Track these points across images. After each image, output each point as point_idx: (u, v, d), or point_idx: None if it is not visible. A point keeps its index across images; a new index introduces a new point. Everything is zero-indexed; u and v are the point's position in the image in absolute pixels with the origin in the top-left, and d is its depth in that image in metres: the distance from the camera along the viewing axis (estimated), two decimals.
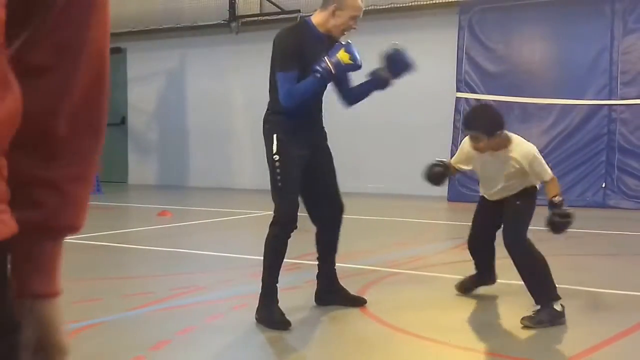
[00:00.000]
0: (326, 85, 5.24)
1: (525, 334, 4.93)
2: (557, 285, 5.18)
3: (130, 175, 17.14)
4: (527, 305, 5.11)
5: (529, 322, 4.98)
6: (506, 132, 5.26)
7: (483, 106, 5.36)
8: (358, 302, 5.53)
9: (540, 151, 6.33)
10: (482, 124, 5.20)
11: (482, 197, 5.68)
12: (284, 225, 5.17)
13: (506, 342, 4.76)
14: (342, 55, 4.97)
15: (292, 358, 4.58)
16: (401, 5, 13.44)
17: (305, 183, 5.28)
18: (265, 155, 5.26)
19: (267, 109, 5.30)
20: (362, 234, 9.25)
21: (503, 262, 6.63)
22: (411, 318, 5.25)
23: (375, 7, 13.45)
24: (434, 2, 13.22)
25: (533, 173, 5.21)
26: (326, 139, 5.43)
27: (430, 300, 5.82)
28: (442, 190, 12.79)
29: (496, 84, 12.39)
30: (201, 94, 16.07)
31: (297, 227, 5.18)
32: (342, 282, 5.63)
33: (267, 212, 11.18)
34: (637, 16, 11.73)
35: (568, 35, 12.24)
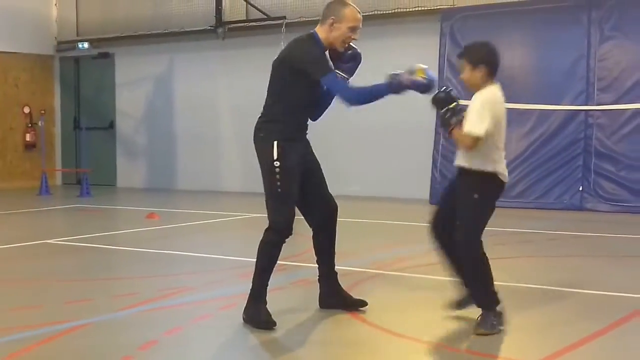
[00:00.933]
0: (318, 94, 5.21)
1: (505, 333, 4.94)
2: (535, 286, 5.21)
3: (119, 179, 17.08)
4: (510, 305, 5.13)
5: (482, 329, 4.82)
6: (493, 80, 5.04)
7: (484, 42, 5.10)
8: (359, 304, 5.46)
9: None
10: (470, 52, 5.05)
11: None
12: (280, 232, 5.14)
13: (488, 342, 4.77)
14: (418, 72, 4.94)
15: (278, 357, 4.57)
16: (384, 12, 13.46)
17: (300, 188, 5.26)
18: (259, 162, 5.22)
19: (262, 116, 5.24)
20: (345, 236, 9.22)
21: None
22: (395, 318, 5.26)
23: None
24: (416, 9, 13.25)
25: (472, 114, 4.85)
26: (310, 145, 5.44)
27: (413, 301, 5.84)
28: (424, 193, 12.84)
29: None
30: (189, 99, 16.04)
31: (292, 233, 5.16)
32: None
33: (254, 215, 11.20)
34: (613, 24, 11.80)
35: (547, 43, 12.30)
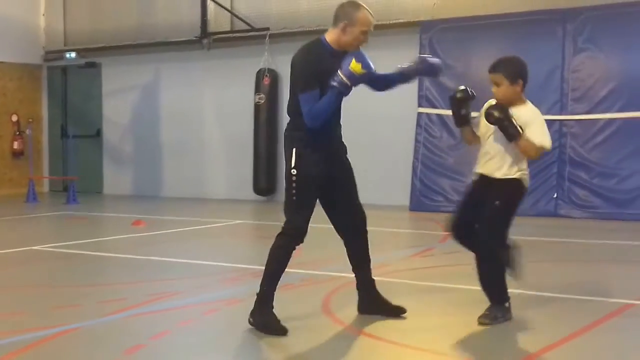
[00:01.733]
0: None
1: (483, 336, 4.99)
2: (509, 290, 5.27)
3: (105, 186, 17.03)
4: (477, 309, 5.18)
5: (486, 320, 5.13)
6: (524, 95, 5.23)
7: (516, 56, 5.40)
8: (398, 311, 5.39)
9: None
10: (507, 67, 5.21)
11: (473, 184, 5.44)
12: (293, 238, 5.10)
13: (465, 344, 4.82)
14: (354, 66, 4.89)
15: (261, 358, 4.60)
16: None
17: (327, 195, 5.23)
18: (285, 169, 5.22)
19: (289, 124, 5.24)
20: (326, 242, 9.26)
21: (463, 269, 6.72)
22: (375, 322, 5.28)
23: None
24: (396, 21, 13.31)
25: (532, 129, 5.05)
26: (346, 153, 5.36)
27: None
28: (404, 199, 12.90)
29: None
30: (174, 107, 16.02)
31: (303, 241, 5.12)
32: (307, 289, 5.63)
33: (238, 221, 11.21)
34: (587, 37, 11.91)
35: (522, 54, 12.04)
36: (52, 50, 17.37)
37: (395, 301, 5.51)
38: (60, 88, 17.59)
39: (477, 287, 5.33)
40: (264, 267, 5.10)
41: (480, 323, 5.15)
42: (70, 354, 4.56)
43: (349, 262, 5.43)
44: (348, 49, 5.08)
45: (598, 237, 9.59)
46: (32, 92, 17.39)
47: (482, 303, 5.24)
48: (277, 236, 5.14)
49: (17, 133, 16.66)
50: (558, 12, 12.13)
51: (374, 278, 5.42)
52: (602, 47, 11.79)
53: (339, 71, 4.91)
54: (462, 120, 5.39)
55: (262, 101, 14.40)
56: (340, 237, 5.44)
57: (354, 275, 5.44)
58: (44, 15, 17.49)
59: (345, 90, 4.95)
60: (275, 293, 5.06)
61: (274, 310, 5.01)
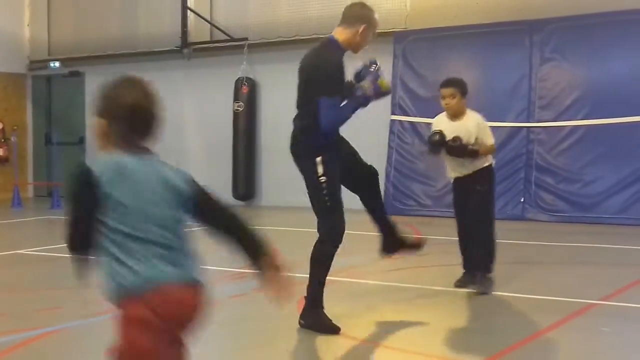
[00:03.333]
0: None
1: (450, 335, 5.02)
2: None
3: None
4: (453, 309, 5.21)
5: (481, 289, 5.98)
6: None
7: (457, 77, 6.47)
8: (419, 243, 5.49)
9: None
10: (460, 83, 6.23)
11: (454, 189, 6.36)
12: (335, 242, 5.04)
13: (433, 343, 4.85)
14: (382, 83, 4.88)
15: (239, 358, 4.60)
16: None
17: (342, 173, 5.11)
18: (303, 175, 5.06)
19: (301, 128, 5.03)
20: (301, 245, 9.26)
21: (433, 270, 6.75)
22: (348, 322, 5.29)
23: (318, 35, 13.53)
24: None
25: (481, 135, 6.03)
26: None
27: (364, 306, 5.89)
28: None
29: (427, 108, 12.49)
30: None
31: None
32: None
33: None
34: (553, 47, 12.00)
35: (491, 64, 12.48)
36: (37, 60, 17.27)
37: (367, 301, 5.52)
38: (45, 96, 17.49)
39: (447, 288, 5.36)
40: (314, 275, 5.05)
41: (477, 293, 5.94)
42: (53, 355, 4.54)
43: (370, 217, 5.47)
44: (355, 50, 5.03)
45: (563, 239, 9.66)
46: (17, 101, 17.27)
47: (450, 303, 5.26)
48: (319, 243, 5.06)
49: (2, 140, 16.52)
50: (525, 23, 12.22)
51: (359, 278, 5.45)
52: (568, 56, 11.89)
53: (364, 84, 4.86)
54: (437, 152, 6.24)
55: (241, 109, 14.39)
56: (357, 194, 5.38)
57: (376, 223, 5.51)
58: (28, 25, 17.39)
59: (366, 103, 4.94)
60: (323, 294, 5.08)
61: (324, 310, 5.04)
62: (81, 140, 16.89)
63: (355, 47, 5.02)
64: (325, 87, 4.83)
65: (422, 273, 6.78)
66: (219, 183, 15.48)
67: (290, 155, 5.17)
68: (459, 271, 6.71)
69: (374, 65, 4.98)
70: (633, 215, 11.04)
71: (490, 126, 6.40)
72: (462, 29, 12.71)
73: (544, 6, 12.19)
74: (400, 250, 5.42)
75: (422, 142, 12.57)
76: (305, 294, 5.04)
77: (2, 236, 10.68)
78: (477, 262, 6.08)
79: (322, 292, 5.04)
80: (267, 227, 12.49)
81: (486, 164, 6.19)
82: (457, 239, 6.36)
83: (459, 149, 6.02)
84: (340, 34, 5.01)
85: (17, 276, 7.36)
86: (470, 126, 6.09)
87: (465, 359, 4.47)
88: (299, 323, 5.03)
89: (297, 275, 7.08)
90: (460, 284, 6.24)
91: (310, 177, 4.97)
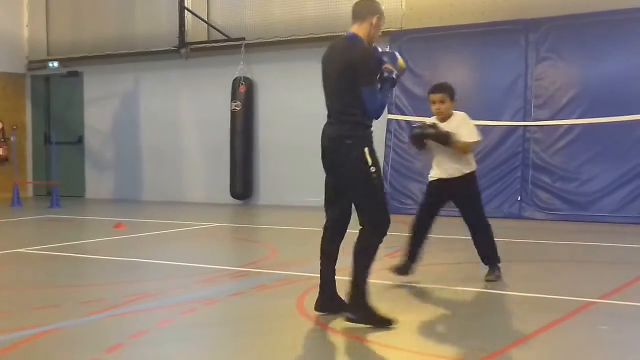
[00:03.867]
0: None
1: (448, 333, 4.99)
2: (474, 289, 5.29)
3: (88, 190, 16.90)
4: (448, 307, 5.18)
5: (492, 278, 6.40)
6: None
7: (446, 82, 6.72)
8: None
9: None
10: (449, 88, 6.52)
11: (431, 193, 6.62)
12: (383, 234, 5.07)
13: (430, 341, 4.82)
14: (401, 63, 5.13)
15: (237, 356, 4.56)
16: (338, 34, 13.47)
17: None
18: (342, 170, 5.06)
19: (345, 123, 5.04)
20: (301, 243, 9.26)
21: (431, 268, 6.72)
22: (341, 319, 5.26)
23: (314, 35, 13.52)
24: None
25: (466, 130, 6.37)
26: None
27: None
28: None
29: (423, 107, 12.41)
30: (153, 114, 15.93)
31: None
32: (283, 289, 5.59)
33: (215, 224, 11.15)
34: (549, 46, 11.98)
35: (488, 63, 12.46)
36: (36, 60, 17.23)
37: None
38: (44, 96, 17.45)
39: (444, 286, 5.34)
40: (361, 267, 5.00)
41: (487, 281, 6.38)
42: (50, 353, 4.51)
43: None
44: (371, 43, 5.15)
45: (560, 238, 9.64)
46: (16, 100, 17.22)
47: (445, 302, 5.23)
48: (365, 236, 5.04)
49: (2, 140, 16.48)
50: (521, 22, 12.20)
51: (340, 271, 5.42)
52: (564, 56, 11.87)
53: (388, 66, 5.05)
54: (422, 149, 6.55)
55: (238, 108, 14.37)
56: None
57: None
58: (27, 26, 17.35)
59: (395, 84, 5.18)
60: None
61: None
62: (80, 139, 16.86)
63: (371, 39, 5.16)
64: (368, 78, 5.00)
65: (420, 271, 6.74)
66: (216, 182, 15.48)
67: (328, 153, 5.14)
68: (457, 269, 6.70)
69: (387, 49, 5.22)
70: (629, 214, 11.04)
71: (487, 125, 6.54)
72: (458, 28, 12.69)
73: (539, 6, 12.19)
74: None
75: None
76: (350, 289, 5.01)
77: (1, 235, 10.65)
78: (489, 253, 6.58)
79: (367, 284, 5.02)
80: (264, 225, 12.50)
81: (473, 169, 6.57)
82: (410, 234, 6.57)
83: (437, 135, 6.33)
84: (358, 30, 5.14)
85: (16, 275, 7.32)
86: (454, 126, 6.41)
87: (462, 357, 4.43)
88: (347, 318, 4.98)
89: (298, 273, 7.08)
90: (398, 271, 6.50)
91: (360, 168, 4.98)
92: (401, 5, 13.18)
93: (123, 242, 9.56)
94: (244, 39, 14.49)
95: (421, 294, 6.18)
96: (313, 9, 13.90)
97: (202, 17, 15.04)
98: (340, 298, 5.24)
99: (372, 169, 4.97)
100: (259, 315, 5.41)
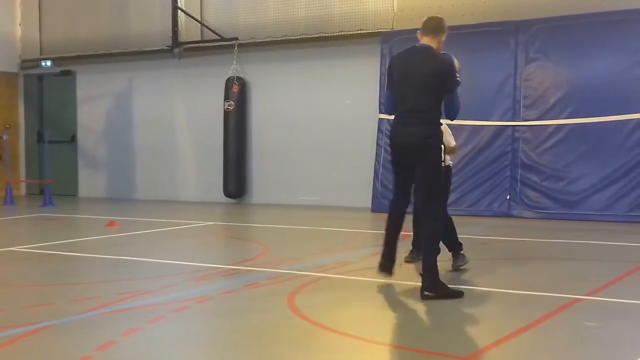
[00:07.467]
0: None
1: (436, 331, 5.00)
2: (467, 287, 5.30)
3: (81, 189, 16.86)
4: (439, 305, 5.19)
5: (461, 264, 6.80)
6: None
7: None
8: None
9: (453, 167, 7.00)
10: None
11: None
12: (441, 220, 6.07)
13: (421, 337, 4.83)
14: (459, 65, 5.86)
15: (228, 353, 4.56)
16: (330, 34, 13.53)
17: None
18: (422, 164, 5.74)
19: (429, 123, 5.74)
20: (293, 241, 9.26)
21: (409, 266, 6.72)
22: (337, 317, 5.28)
23: (307, 36, 13.54)
24: (359, 32, 13.34)
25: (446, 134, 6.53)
26: None
27: (353, 301, 5.87)
28: (366, 202, 12.92)
29: None
30: (146, 114, 15.91)
31: None
32: (274, 287, 5.58)
33: (208, 223, 11.15)
34: (537, 47, 12.01)
35: (477, 64, 12.47)
36: (29, 59, 17.19)
37: (356, 297, 5.50)
38: (37, 95, 17.40)
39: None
40: (431, 250, 5.74)
41: (455, 269, 6.72)
42: (42, 350, 4.50)
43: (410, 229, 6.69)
44: None
45: (548, 236, 9.67)
46: (9, 99, 17.18)
47: (436, 300, 5.24)
48: (433, 222, 5.76)
49: None
50: (511, 24, 12.23)
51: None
52: (552, 57, 11.91)
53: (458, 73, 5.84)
54: None
55: (232, 108, 14.36)
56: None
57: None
58: (20, 25, 17.30)
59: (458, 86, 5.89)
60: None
61: None
62: (73, 138, 16.83)
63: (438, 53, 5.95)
64: (455, 85, 5.82)
65: (413, 269, 6.77)
66: (209, 181, 15.46)
67: (411, 150, 5.81)
68: (447, 266, 6.71)
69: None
70: (617, 212, 11.09)
71: (476, 125, 6.58)
72: (448, 29, 12.65)
73: (529, 7, 12.23)
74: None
75: None
76: (422, 271, 5.69)
77: None
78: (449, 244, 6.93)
79: (437, 264, 5.73)
80: (257, 224, 12.49)
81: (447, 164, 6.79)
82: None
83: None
84: (432, 43, 5.96)
85: (9, 273, 7.31)
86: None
87: (451, 354, 4.44)
88: (426, 296, 5.59)
89: (289, 271, 7.08)
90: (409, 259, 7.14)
91: (437, 163, 5.74)
92: (392, 7, 13.21)
93: (116, 240, 9.55)
94: (237, 39, 14.49)
95: (415, 292, 6.19)
96: (305, 10, 13.91)
97: (196, 17, 15.03)
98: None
99: (443, 165, 5.92)
100: (251, 313, 5.41)
